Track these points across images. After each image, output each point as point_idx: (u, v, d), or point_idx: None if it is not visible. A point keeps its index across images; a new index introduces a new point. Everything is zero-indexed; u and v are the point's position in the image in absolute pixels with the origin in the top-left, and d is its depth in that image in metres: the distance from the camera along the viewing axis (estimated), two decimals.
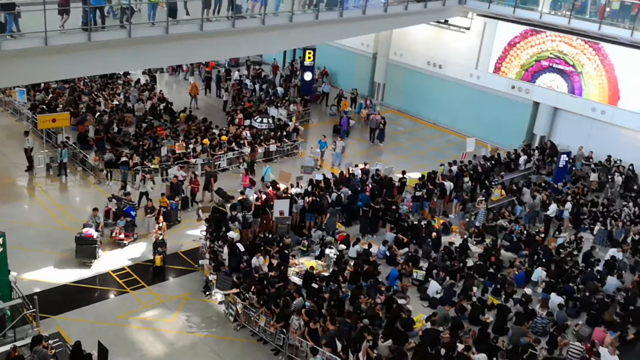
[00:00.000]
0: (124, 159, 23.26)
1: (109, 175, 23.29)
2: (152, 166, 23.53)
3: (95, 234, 18.05)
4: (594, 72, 28.17)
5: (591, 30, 26.39)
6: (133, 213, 19.80)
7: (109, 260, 18.34)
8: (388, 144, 30.09)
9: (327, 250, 19.23)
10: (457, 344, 15.04)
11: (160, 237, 18.31)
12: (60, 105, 28.48)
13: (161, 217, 19.23)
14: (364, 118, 32.56)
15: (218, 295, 17.04)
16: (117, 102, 30.35)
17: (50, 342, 13.31)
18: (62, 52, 16.89)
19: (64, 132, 24.70)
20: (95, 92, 31.89)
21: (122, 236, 19.09)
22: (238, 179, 23.96)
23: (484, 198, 23.07)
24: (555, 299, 17.32)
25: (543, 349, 15.16)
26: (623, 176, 26.33)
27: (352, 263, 18.35)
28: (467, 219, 22.44)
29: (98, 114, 28.27)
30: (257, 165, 25.33)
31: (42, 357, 12.56)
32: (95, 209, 19.02)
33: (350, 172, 23.98)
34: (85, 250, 17.93)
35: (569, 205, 22.91)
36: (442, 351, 14.83)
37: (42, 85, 30.65)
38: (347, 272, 17.83)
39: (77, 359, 13.03)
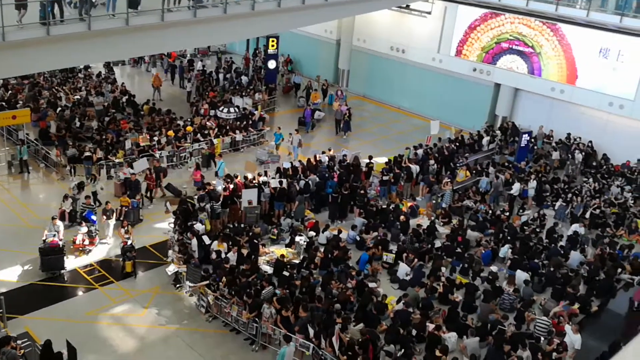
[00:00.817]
0: (87, 153, 22.85)
1: (72, 171, 22.89)
2: (117, 160, 23.18)
3: (60, 243, 17.17)
4: (552, 52, 28.75)
5: (548, 12, 26.88)
6: (94, 217, 18.90)
7: (75, 260, 18.01)
8: (354, 130, 30.17)
9: (297, 238, 19.30)
10: (428, 323, 15.37)
11: (129, 242, 17.70)
12: (20, 102, 27.78)
13: (125, 221, 18.62)
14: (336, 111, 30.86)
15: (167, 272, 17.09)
16: (79, 97, 29.74)
17: (19, 342, 13.12)
18: (20, 47, 16.46)
19: (24, 128, 24.15)
20: (56, 87, 31.20)
21: (86, 242, 18.23)
22: (189, 174, 23.37)
23: (449, 180, 23.43)
24: (521, 275, 17.76)
25: (511, 325, 15.55)
26: (583, 153, 27.05)
27: (322, 249, 18.48)
28: (434, 201, 22.79)
29: (59, 109, 27.69)
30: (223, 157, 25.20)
31: (11, 358, 12.35)
32: (53, 218, 17.94)
33: (318, 159, 24.06)
34: (51, 262, 16.93)
35: (532, 183, 23.43)
36: (414, 332, 15.15)
37: (1, 81, 29.80)
38: (317, 258, 17.95)
39: (47, 358, 12.88)
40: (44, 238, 17.22)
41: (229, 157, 25.71)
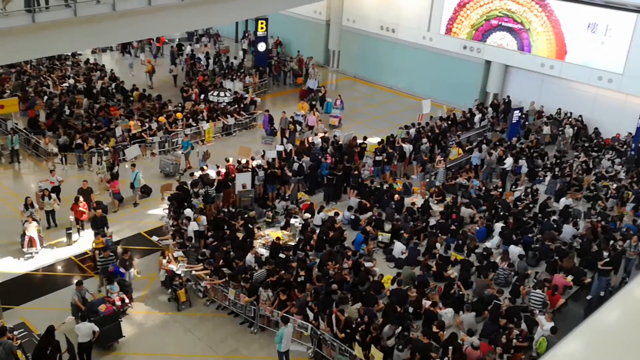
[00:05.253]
0: (78, 141, 22.68)
1: (63, 159, 22.75)
2: (107, 148, 23.04)
3: (113, 307, 14.46)
4: (541, 28, 28.67)
5: None
6: (122, 270, 15.90)
7: (74, 247, 18.00)
8: (346, 111, 29.99)
9: (292, 220, 19.31)
10: (424, 300, 15.48)
11: (172, 270, 16.11)
12: (8, 91, 27.55)
13: (166, 250, 16.89)
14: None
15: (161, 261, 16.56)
16: (67, 84, 29.46)
17: (15, 332, 13.10)
18: (6, 35, 16.25)
19: (13, 118, 23.94)
20: (44, 75, 30.88)
21: (127, 301, 15.34)
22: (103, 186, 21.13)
23: (442, 158, 23.47)
24: (514, 250, 17.88)
25: (506, 299, 15.70)
26: (574, 128, 27.12)
27: (317, 231, 18.51)
28: (428, 179, 22.85)
29: (46, 97, 27.44)
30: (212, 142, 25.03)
31: (8, 348, 12.28)
32: (79, 283, 14.82)
33: (310, 141, 24.03)
34: (108, 333, 14.09)
35: (522, 161, 23.44)
36: (410, 309, 15.27)
37: None
38: (313, 240, 17.97)
39: (46, 344, 12.77)
40: (93, 307, 14.26)
41: (221, 141, 25.56)
